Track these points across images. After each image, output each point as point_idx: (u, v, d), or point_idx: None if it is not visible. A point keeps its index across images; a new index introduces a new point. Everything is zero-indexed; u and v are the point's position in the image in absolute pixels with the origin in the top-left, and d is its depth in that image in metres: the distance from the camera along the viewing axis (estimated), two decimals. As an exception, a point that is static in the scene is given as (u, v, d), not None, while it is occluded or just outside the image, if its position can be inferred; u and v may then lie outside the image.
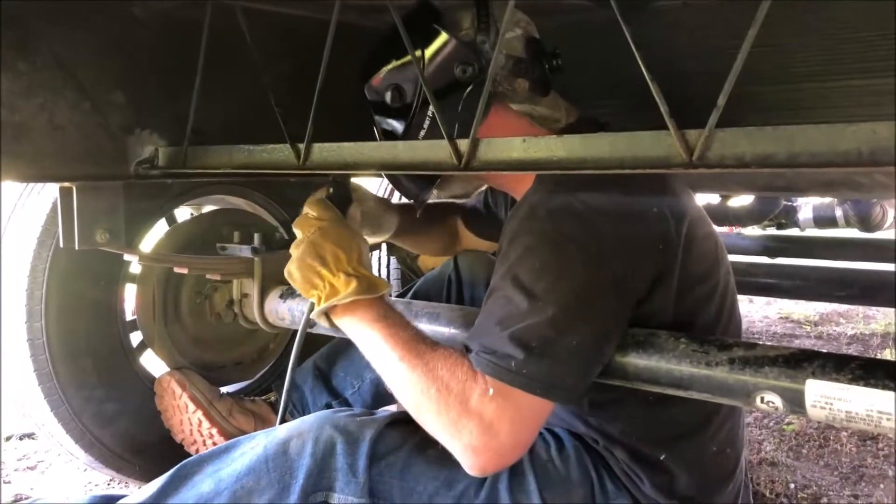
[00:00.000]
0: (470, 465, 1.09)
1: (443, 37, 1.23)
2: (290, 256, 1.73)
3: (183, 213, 2.05)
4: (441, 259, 2.08)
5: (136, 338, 1.87)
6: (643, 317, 1.17)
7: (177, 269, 1.65)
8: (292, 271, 1.32)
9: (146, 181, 1.38)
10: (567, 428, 1.34)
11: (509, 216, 1.23)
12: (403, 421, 1.31)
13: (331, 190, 1.50)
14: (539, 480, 1.24)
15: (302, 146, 1.12)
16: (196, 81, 1.26)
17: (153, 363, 1.90)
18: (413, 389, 1.13)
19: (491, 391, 1.06)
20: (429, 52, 1.24)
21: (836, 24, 1.49)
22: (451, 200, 2.05)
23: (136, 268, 1.80)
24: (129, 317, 1.85)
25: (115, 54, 1.29)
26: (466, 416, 1.07)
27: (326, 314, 1.30)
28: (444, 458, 1.23)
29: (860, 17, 1.46)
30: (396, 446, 1.24)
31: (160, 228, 1.86)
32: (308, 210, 1.39)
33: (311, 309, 1.37)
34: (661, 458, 1.25)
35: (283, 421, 1.47)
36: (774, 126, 0.73)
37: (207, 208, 2.09)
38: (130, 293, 1.83)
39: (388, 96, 1.27)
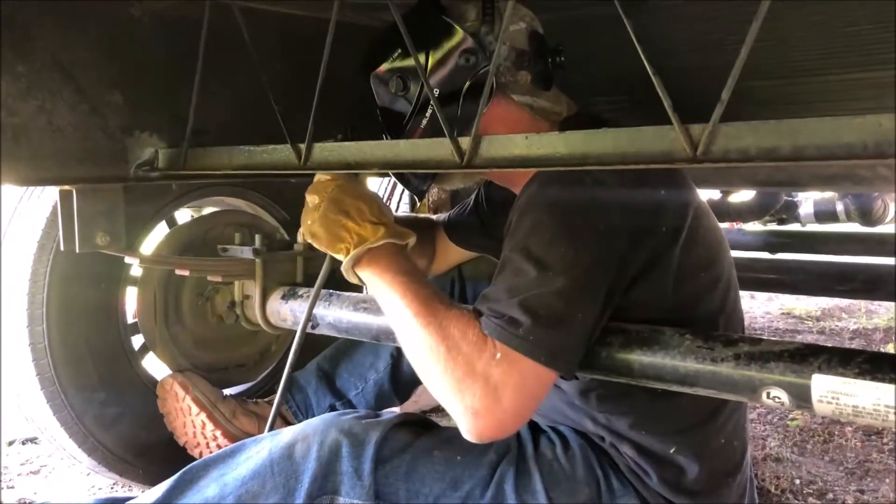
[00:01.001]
0: (468, 427, 1.09)
1: (448, 27, 1.25)
2: (292, 257, 1.74)
3: (183, 215, 2.04)
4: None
5: (137, 340, 1.87)
6: (640, 299, 1.18)
7: (178, 271, 1.65)
8: (315, 230, 1.32)
9: (146, 183, 1.38)
10: (573, 426, 1.34)
11: (519, 194, 1.23)
12: (409, 423, 1.31)
13: None
14: (545, 480, 1.24)
15: (303, 146, 1.12)
16: (195, 82, 1.26)
17: (155, 366, 1.90)
18: (423, 346, 1.14)
19: (498, 355, 1.07)
20: (434, 42, 1.25)
21: (835, 18, 1.49)
22: (426, 216, 2.03)
23: (136, 270, 1.79)
24: (130, 319, 1.84)
25: (114, 55, 1.28)
26: (472, 378, 1.07)
27: (352, 268, 1.30)
28: (449, 460, 1.23)
29: (859, 11, 1.46)
30: (402, 448, 1.24)
31: (161, 230, 1.85)
32: (320, 176, 1.38)
33: (327, 273, 1.41)
34: (671, 451, 1.25)
35: (274, 420, 1.47)
36: (778, 119, 0.72)
37: (208, 210, 2.08)
38: (131, 296, 1.82)
39: (392, 84, 1.28)
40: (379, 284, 1.25)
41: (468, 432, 1.10)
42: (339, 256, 1.30)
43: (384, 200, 2.73)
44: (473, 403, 1.07)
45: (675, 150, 0.77)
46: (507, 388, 1.06)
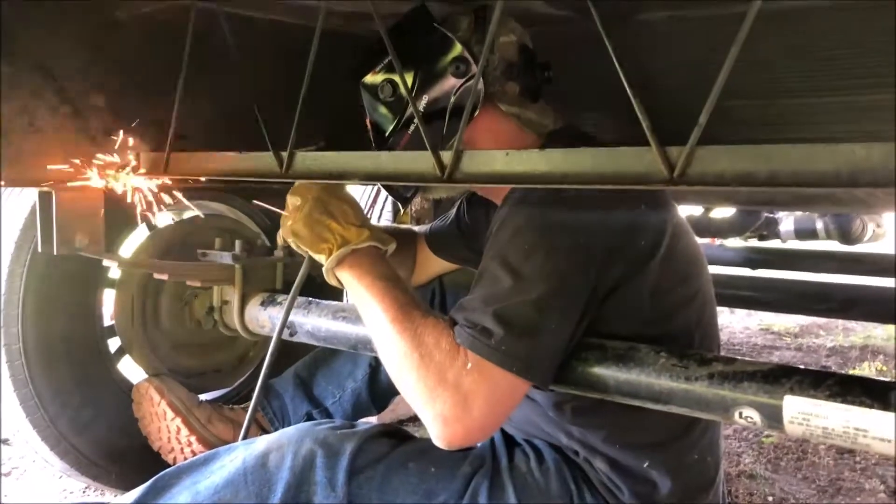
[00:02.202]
0: (438, 434, 1.10)
1: (441, 36, 1.27)
2: (272, 263, 1.74)
3: (164, 219, 2.03)
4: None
5: (114, 343, 1.85)
6: (616, 312, 1.18)
7: (157, 275, 1.64)
8: (299, 229, 1.32)
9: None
10: (548, 440, 1.34)
11: (500, 206, 1.24)
12: (384, 434, 1.31)
13: None
14: (519, 493, 1.24)
15: (285, 154, 1.12)
16: (178, 87, 1.26)
17: (131, 369, 1.88)
18: (398, 352, 1.15)
19: (469, 365, 1.08)
20: (425, 51, 1.27)
21: (814, 42, 1.50)
22: (406, 227, 2.04)
23: (115, 273, 1.78)
24: (107, 322, 1.83)
25: (97, 58, 1.28)
26: (443, 386, 1.08)
27: (332, 269, 1.31)
28: (423, 472, 1.23)
29: (837, 35, 1.48)
30: (376, 459, 1.24)
31: (141, 233, 1.84)
32: (300, 182, 1.39)
33: (305, 274, 1.42)
34: (644, 465, 1.26)
35: (249, 427, 1.47)
36: (755, 145, 0.73)
37: (188, 214, 2.07)
38: (109, 298, 1.81)
39: (380, 93, 1.30)
40: (358, 287, 1.26)
41: (437, 438, 1.11)
42: (320, 257, 1.31)
43: (367, 208, 2.73)
44: (444, 411, 1.08)
45: (652, 172, 0.78)
46: (477, 398, 1.07)
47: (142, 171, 1.34)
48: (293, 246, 1.36)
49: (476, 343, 1.08)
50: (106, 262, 1.57)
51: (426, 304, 1.24)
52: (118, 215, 1.68)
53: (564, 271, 1.11)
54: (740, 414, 1.00)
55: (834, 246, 3.71)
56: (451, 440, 1.10)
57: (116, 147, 1.29)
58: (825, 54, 1.49)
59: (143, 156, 1.34)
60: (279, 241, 1.50)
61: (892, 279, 2.87)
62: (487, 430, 1.13)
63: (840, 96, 1.52)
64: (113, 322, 1.81)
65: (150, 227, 1.88)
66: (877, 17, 1.41)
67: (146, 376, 1.80)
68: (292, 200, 1.36)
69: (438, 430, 1.09)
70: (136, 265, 1.69)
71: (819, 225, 3.72)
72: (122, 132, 1.29)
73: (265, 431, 1.79)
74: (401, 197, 1.43)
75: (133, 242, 1.81)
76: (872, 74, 1.47)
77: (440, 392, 1.08)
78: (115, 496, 1.82)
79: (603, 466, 1.27)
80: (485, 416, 1.08)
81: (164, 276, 1.63)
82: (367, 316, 1.24)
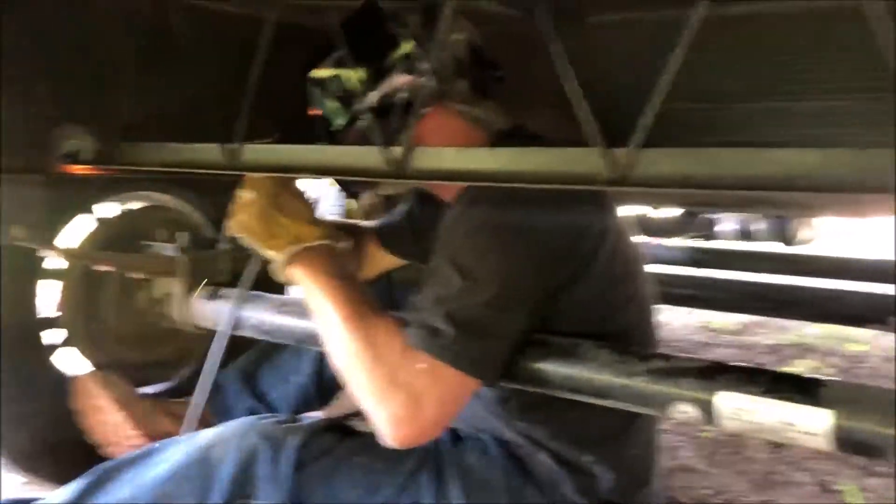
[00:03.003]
0: (391, 435, 1.10)
1: (390, 34, 1.28)
2: (217, 256, 1.72)
3: (108, 209, 1.99)
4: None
5: (53, 335, 1.81)
6: (561, 311, 1.21)
7: (101, 267, 1.61)
8: (251, 224, 1.31)
9: (70, 176, 1.35)
10: (493, 434, 1.36)
11: (452, 205, 1.25)
12: (330, 428, 1.31)
13: None
14: (463, 487, 1.26)
15: (234, 146, 1.12)
16: (128, 76, 1.24)
17: (69, 362, 1.84)
18: (349, 352, 1.15)
19: (421, 365, 1.08)
20: (375, 48, 1.28)
21: (762, 48, 1.55)
22: (356, 222, 2.04)
23: (56, 263, 1.74)
24: (46, 314, 1.78)
25: (43, 45, 1.25)
26: (395, 387, 1.09)
27: (284, 266, 1.29)
28: (368, 466, 1.24)
29: (784, 42, 1.52)
30: (321, 453, 1.24)
31: (83, 224, 1.81)
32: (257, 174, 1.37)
33: (252, 276, 1.43)
34: (586, 460, 1.28)
35: (193, 421, 1.45)
36: (696, 148, 0.76)
37: (133, 204, 2.03)
38: (49, 289, 1.77)
39: (330, 88, 1.30)
40: (310, 285, 1.25)
41: (390, 438, 1.11)
42: (271, 253, 1.30)
43: (315, 203, 2.72)
44: (396, 412, 1.08)
45: (597, 173, 0.80)
46: (429, 397, 1.08)
47: (89, 161, 1.32)
48: (244, 241, 1.35)
49: (428, 343, 1.09)
50: (46, 254, 1.53)
51: (378, 303, 1.24)
52: (61, 205, 1.65)
53: (515, 272, 1.13)
54: (678, 409, 1.03)
55: (772, 247, 3.82)
56: (404, 440, 1.10)
57: (62, 136, 1.26)
58: (768, 60, 1.54)
59: (90, 145, 1.33)
60: (226, 233, 1.48)
61: (825, 279, 2.98)
62: (438, 429, 1.14)
63: (782, 102, 1.57)
64: (53, 314, 1.77)
65: (95, 217, 1.84)
66: (819, 25, 1.46)
67: (87, 369, 1.76)
68: (245, 194, 1.35)
69: (391, 430, 1.10)
70: (79, 256, 1.66)
71: (757, 226, 3.82)
72: (68, 121, 1.27)
73: (208, 426, 1.77)
74: (351, 191, 1.43)
75: (77, 233, 1.78)
76: (813, 81, 1.52)
77: (392, 392, 1.09)
78: (53, 491, 1.79)
79: (546, 460, 1.29)
80: (436, 415, 1.09)
81: (109, 268, 1.60)
82: (318, 315, 1.23)
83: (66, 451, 1.77)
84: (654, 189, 0.78)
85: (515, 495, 1.28)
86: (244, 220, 1.32)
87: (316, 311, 1.24)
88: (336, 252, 1.33)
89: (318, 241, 1.29)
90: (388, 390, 1.09)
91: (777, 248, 3.80)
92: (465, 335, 1.09)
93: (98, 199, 1.81)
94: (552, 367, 1.14)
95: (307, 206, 1.35)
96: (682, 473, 2.25)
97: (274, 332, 1.47)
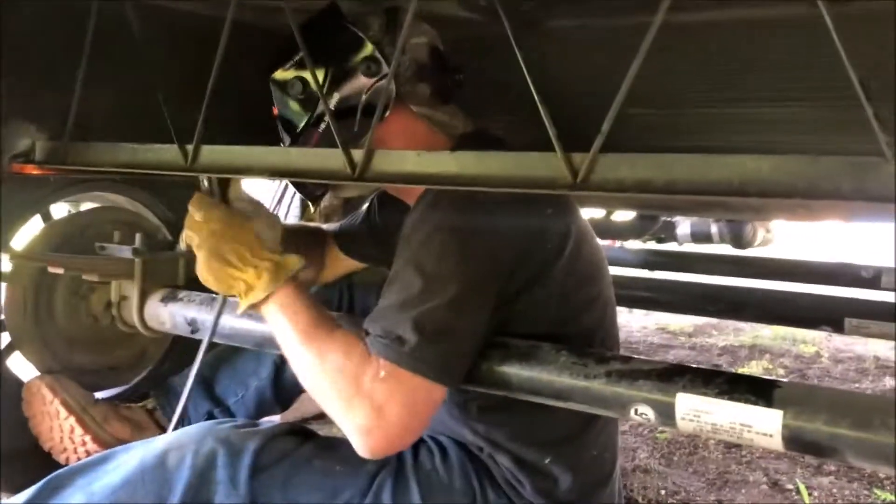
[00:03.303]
0: (360, 445, 1.10)
1: (352, 35, 1.28)
2: (173, 258, 1.69)
3: (60, 210, 1.95)
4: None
5: (3, 339, 1.77)
6: (522, 313, 1.22)
7: (51, 269, 1.57)
8: (206, 277, 1.30)
9: (21, 176, 1.32)
10: (453, 436, 1.36)
11: (412, 208, 1.25)
12: (289, 432, 1.30)
13: (205, 182, 1.43)
14: (422, 489, 1.26)
15: (190, 147, 1.10)
16: (79, 74, 1.22)
17: (22, 366, 1.80)
18: (311, 371, 1.15)
19: (383, 373, 1.08)
20: (336, 50, 1.27)
21: (719, 55, 1.57)
22: (316, 225, 2.02)
23: (5, 265, 1.70)
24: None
25: (-8, 42, 1.22)
26: (358, 398, 1.08)
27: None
28: (328, 469, 1.23)
29: (741, 49, 1.55)
30: (280, 457, 1.23)
31: (34, 225, 1.76)
32: (192, 211, 1.34)
33: (220, 313, 1.41)
34: (546, 461, 1.29)
35: (176, 428, 1.42)
36: (654, 154, 0.77)
37: (86, 205, 1.99)
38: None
39: (291, 90, 1.29)
40: (270, 315, 1.24)
41: (360, 449, 1.11)
42: (233, 298, 1.30)
43: (273, 205, 2.69)
44: (362, 422, 1.08)
45: (557, 177, 0.81)
46: (393, 405, 1.07)
47: (38, 160, 1.29)
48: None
49: (389, 351, 1.09)
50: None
51: (337, 306, 1.23)
52: (12, 205, 1.61)
53: (475, 275, 1.13)
54: (636, 411, 1.04)
55: (727, 250, 3.88)
56: (374, 449, 1.10)
57: (13, 135, 1.23)
58: (725, 67, 1.57)
59: (40, 144, 1.30)
60: (182, 238, 1.46)
61: (780, 282, 3.04)
62: (409, 436, 1.13)
63: (739, 108, 1.60)
64: (1, 317, 1.73)
65: (45, 217, 1.80)
66: (776, 33, 1.49)
67: (38, 374, 1.72)
68: (188, 235, 1.33)
69: (360, 441, 1.10)
70: (29, 258, 1.62)
71: (713, 229, 3.88)
72: (17, 119, 1.24)
73: (163, 431, 1.74)
74: (311, 195, 1.42)
75: (26, 234, 1.73)
76: (770, 88, 1.55)
77: (356, 403, 1.08)
78: (4, 499, 1.74)
79: (506, 462, 1.30)
80: (403, 422, 1.09)
81: (60, 270, 1.56)
82: (280, 341, 1.23)
83: (17, 458, 1.73)
84: (613, 193, 0.79)
85: (475, 497, 1.29)
86: (199, 272, 1.30)
87: (277, 337, 1.23)
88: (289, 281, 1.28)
89: (264, 294, 1.23)
90: (351, 401, 1.09)
91: (732, 251, 3.87)
92: (426, 341, 1.08)
93: (51, 200, 1.77)
94: (512, 370, 1.14)
95: (252, 246, 1.28)
96: (639, 474, 2.28)
97: (234, 335, 1.45)
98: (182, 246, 1.47)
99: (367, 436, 1.08)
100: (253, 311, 1.28)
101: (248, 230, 1.31)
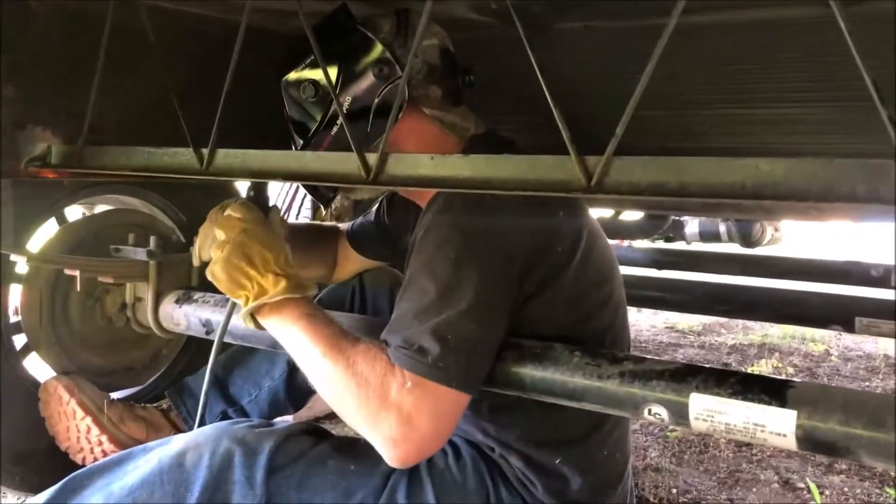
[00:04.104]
0: (391, 456, 1.11)
1: (363, 38, 1.28)
2: (187, 260, 1.71)
3: (75, 212, 1.97)
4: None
5: (20, 340, 1.79)
6: (534, 315, 1.22)
7: (67, 271, 1.59)
8: (217, 272, 1.28)
9: (37, 179, 1.33)
10: (465, 437, 1.37)
11: (423, 211, 1.25)
12: (303, 432, 1.31)
13: (251, 193, 1.47)
14: (436, 489, 1.26)
15: (206, 151, 1.11)
16: (95, 79, 1.23)
17: (39, 367, 1.82)
18: (334, 385, 1.14)
19: (409, 384, 1.09)
20: (348, 52, 1.28)
21: (725, 56, 1.58)
22: (331, 224, 2.04)
23: (22, 267, 1.72)
24: (13, 318, 1.76)
25: (8, 47, 1.23)
26: (385, 410, 1.09)
27: (252, 315, 1.26)
28: (342, 469, 1.24)
29: (746, 51, 1.55)
30: (295, 458, 1.24)
31: (50, 227, 1.78)
32: (231, 212, 1.35)
33: (231, 314, 1.37)
34: (556, 462, 1.30)
35: (200, 426, 1.43)
36: (667, 157, 0.77)
37: (100, 208, 2.01)
38: (15, 293, 1.74)
39: (303, 93, 1.30)
40: (283, 330, 1.23)
41: (391, 460, 1.11)
42: (238, 301, 1.28)
43: (285, 206, 2.71)
44: (391, 433, 1.09)
45: (571, 180, 0.81)
46: (421, 415, 1.08)
47: (54, 163, 1.30)
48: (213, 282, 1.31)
49: (413, 363, 1.09)
50: (13, 258, 1.51)
51: (349, 331, 1.22)
52: (28, 208, 1.63)
53: (490, 279, 1.14)
54: (649, 411, 1.05)
55: (735, 249, 3.88)
56: (405, 459, 1.11)
57: (29, 140, 1.25)
58: (733, 69, 1.57)
59: (56, 149, 1.31)
60: (193, 252, 1.47)
61: (790, 281, 3.04)
62: (437, 444, 1.14)
63: (746, 109, 1.60)
64: (18, 318, 1.74)
65: (60, 220, 1.82)
66: (782, 35, 1.49)
67: (55, 374, 1.74)
68: (217, 233, 1.32)
69: (390, 452, 1.10)
70: (46, 261, 1.63)
71: (722, 228, 3.87)
72: (34, 124, 1.25)
73: (179, 431, 1.76)
74: (323, 197, 1.43)
75: (42, 236, 1.75)
76: (776, 89, 1.55)
77: (383, 415, 1.09)
78: (22, 499, 1.76)
79: (518, 463, 1.31)
80: (432, 430, 1.10)
81: (76, 273, 1.58)
82: (297, 354, 1.22)
83: (34, 459, 1.75)
84: (627, 196, 0.79)
85: (488, 496, 1.30)
86: (211, 266, 1.29)
87: (293, 351, 1.23)
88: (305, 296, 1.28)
89: (280, 296, 1.23)
90: (378, 414, 1.09)
91: (741, 250, 3.86)
92: (449, 350, 1.09)
93: (66, 203, 1.79)
94: (526, 371, 1.15)
95: (279, 255, 1.29)
96: (650, 473, 2.29)
97: (247, 336, 1.46)
98: (196, 248, 1.47)
99: (397, 447, 1.09)
100: (255, 320, 1.26)
101: (279, 242, 1.32)
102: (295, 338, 1.21)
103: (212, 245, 1.33)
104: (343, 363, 1.13)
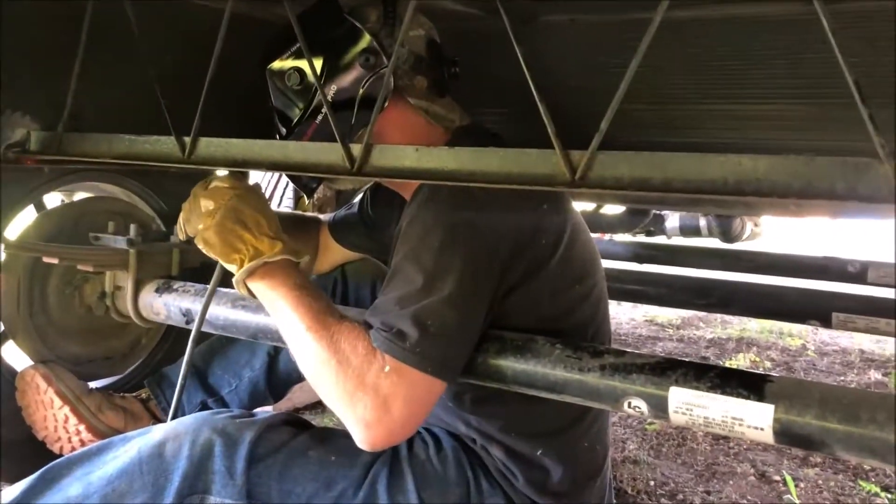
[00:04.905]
0: (361, 438, 1.11)
1: (350, 27, 1.28)
2: (168, 248, 1.69)
3: (54, 199, 1.95)
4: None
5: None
6: (516, 307, 1.22)
7: (46, 259, 1.57)
8: (210, 237, 1.27)
9: (15, 165, 1.32)
10: (446, 428, 1.37)
11: (408, 202, 1.25)
12: (284, 423, 1.31)
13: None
14: (417, 480, 1.27)
15: (188, 139, 1.10)
16: (76, 65, 1.21)
17: (16, 356, 1.80)
18: (315, 359, 1.15)
19: (387, 368, 1.09)
20: (333, 41, 1.27)
21: (707, 52, 1.59)
22: (312, 214, 2.03)
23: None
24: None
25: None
26: (362, 390, 1.09)
27: (244, 280, 1.26)
28: (323, 460, 1.24)
29: (727, 47, 1.56)
30: (276, 448, 1.24)
31: (28, 215, 1.76)
32: (219, 182, 1.34)
33: (209, 303, 1.37)
34: (537, 453, 1.31)
35: (175, 417, 1.42)
36: (651, 152, 0.78)
37: (80, 195, 1.99)
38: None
39: (288, 81, 1.29)
40: (272, 297, 1.23)
41: (361, 442, 1.12)
42: (231, 267, 1.27)
43: (267, 195, 2.70)
44: (365, 415, 1.09)
45: (556, 174, 0.82)
46: (396, 399, 1.09)
47: (34, 150, 1.29)
48: (203, 251, 1.30)
49: (392, 346, 1.10)
50: (-6, 245, 1.49)
51: (338, 309, 1.23)
52: (8, 196, 1.61)
53: (473, 269, 1.14)
54: (629, 404, 1.05)
55: (715, 243, 3.91)
56: (375, 442, 1.11)
57: (8, 126, 1.23)
58: (716, 64, 1.58)
59: (35, 135, 1.30)
60: (176, 230, 1.46)
61: (768, 276, 3.07)
62: (408, 430, 1.14)
63: (728, 104, 1.61)
64: (-5, 307, 1.72)
65: (39, 207, 1.80)
66: (765, 32, 1.50)
67: (32, 363, 1.72)
68: (205, 203, 1.31)
69: (361, 433, 1.11)
70: (24, 248, 1.61)
71: (702, 223, 3.89)
72: (12, 109, 1.23)
73: (158, 420, 1.75)
74: (306, 187, 1.42)
75: (20, 223, 1.73)
76: (758, 86, 1.57)
77: (360, 396, 1.09)
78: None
79: (499, 454, 1.31)
80: (405, 416, 1.10)
81: (55, 261, 1.56)
82: (282, 324, 1.22)
83: (11, 448, 1.73)
84: (611, 191, 0.80)
85: (468, 488, 1.30)
86: (203, 231, 1.28)
87: (279, 321, 1.23)
88: (298, 265, 1.29)
89: (277, 257, 1.25)
90: (355, 394, 1.10)
91: (721, 244, 3.90)
92: (428, 336, 1.09)
93: (45, 190, 1.77)
94: (507, 363, 1.16)
95: (269, 219, 1.30)
96: (628, 465, 2.31)
97: (228, 326, 1.46)
98: (179, 224, 1.45)
99: (369, 429, 1.10)
100: (249, 283, 1.25)
101: (270, 209, 1.33)
102: (282, 306, 1.21)
103: (199, 218, 1.32)
104: (326, 339, 1.14)
